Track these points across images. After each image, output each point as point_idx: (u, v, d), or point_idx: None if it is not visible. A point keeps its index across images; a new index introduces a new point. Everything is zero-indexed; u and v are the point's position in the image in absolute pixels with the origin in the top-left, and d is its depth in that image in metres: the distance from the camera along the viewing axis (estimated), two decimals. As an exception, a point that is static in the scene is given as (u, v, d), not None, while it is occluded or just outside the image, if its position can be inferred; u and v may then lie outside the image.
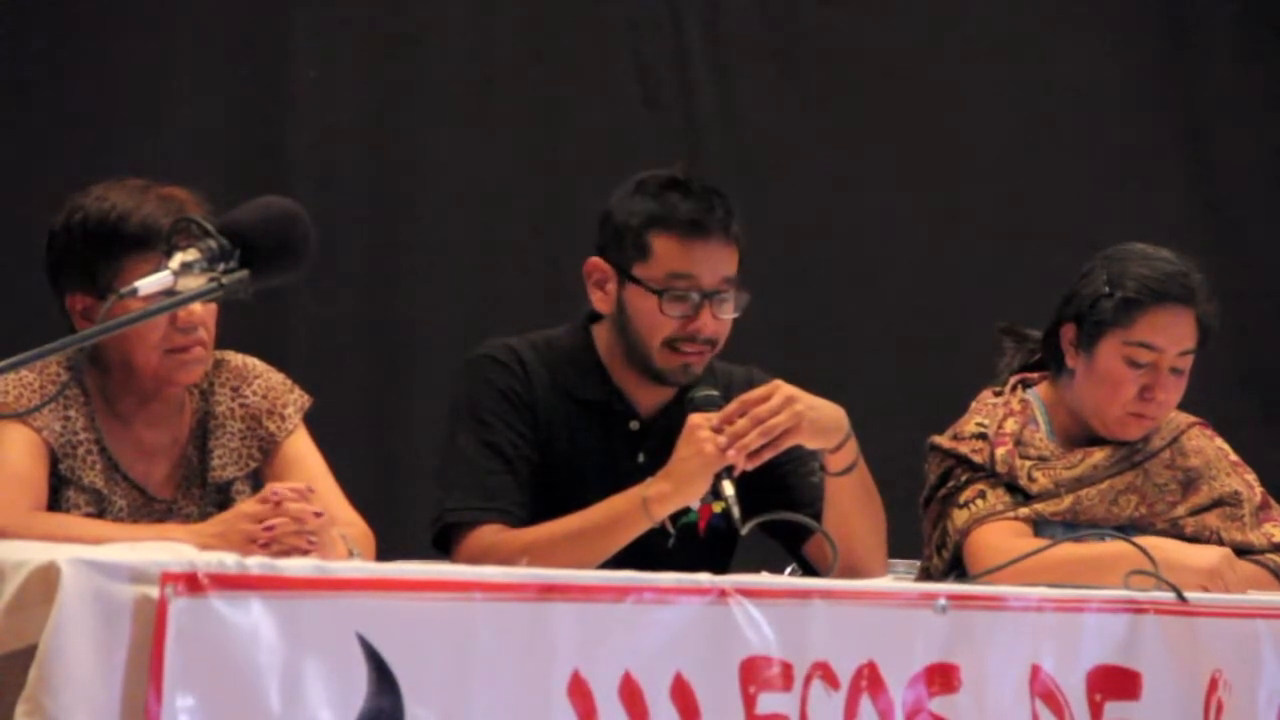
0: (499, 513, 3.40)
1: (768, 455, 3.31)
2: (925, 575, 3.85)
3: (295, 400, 3.40)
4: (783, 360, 3.89)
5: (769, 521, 3.37)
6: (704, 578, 2.55)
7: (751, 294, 3.48)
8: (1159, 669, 3.05)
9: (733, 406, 3.31)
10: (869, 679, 2.68)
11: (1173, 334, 3.74)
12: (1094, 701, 2.96)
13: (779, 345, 5.26)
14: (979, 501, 3.75)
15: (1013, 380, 3.93)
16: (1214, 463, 3.88)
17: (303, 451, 3.37)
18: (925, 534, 3.87)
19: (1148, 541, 3.43)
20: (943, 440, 3.86)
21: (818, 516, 3.44)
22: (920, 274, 5.92)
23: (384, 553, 3.19)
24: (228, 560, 2.12)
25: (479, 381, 3.50)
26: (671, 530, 3.51)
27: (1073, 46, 6.11)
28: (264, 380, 3.39)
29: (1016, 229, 5.97)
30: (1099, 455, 3.80)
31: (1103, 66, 6.12)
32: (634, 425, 3.54)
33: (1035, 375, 3.93)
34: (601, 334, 3.55)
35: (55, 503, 3.17)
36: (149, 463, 3.29)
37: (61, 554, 2.07)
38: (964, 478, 3.79)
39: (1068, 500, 3.75)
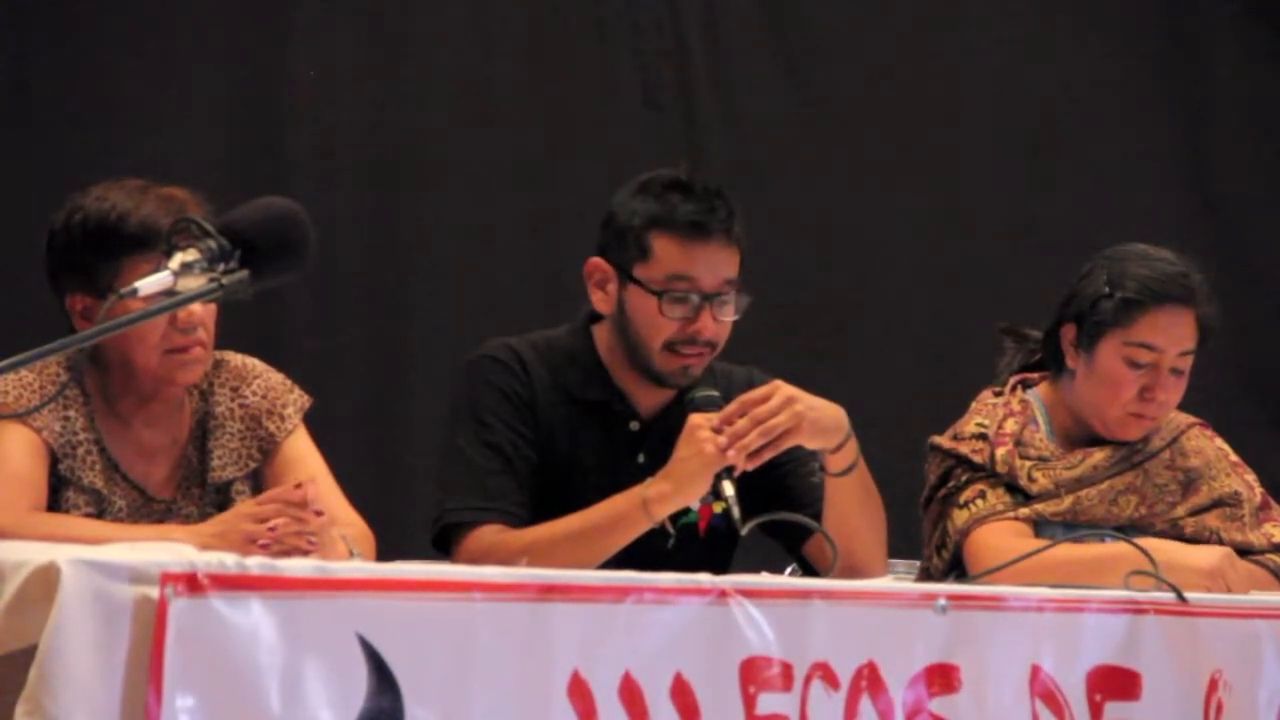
0: (499, 513, 3.40)
1: (768, 455, 3.31)
2: (925, 575, 3.85)
3: (295, 400, 3.40)
4: (783, 360, 3.89)
5: (769, 522, 3.37)
6: (704, 578, 2.54)
7: (752, 296, 3.47)
8: (1159, 669, 3.05)
9: (732, 407, 3.31)
10: (869, 679, 2.68)
11: (1173, 334, 3.74)
12: (1094, 702, 2.96)
13: (779, 345, 5.26)
14: (979, 502, 3.75)
15: (1013, 380, 3.93)
16: (1214, 463, 3.88)
17: (302, 452, 3.37)
18: (925, 534, 3.87)
19: (1148, 543, 3.43)
20: (943, 440, 3.86)
21: (818, 517, 3.44)
22: (920, 274, 5.92)
23: (384, 553, 3.19)
24: (228, 560, 2.11)
25: (479, 382, 3.50)
26: (671, 530, 3.51)
27: (1073, 47, 6.12)
28: (264, 380, 3.39)
29: (1016, 229, 5.98)
30: (1099, 456, 3.80)
31: (1103, 67, 6.12)
32: (634, 426, 3.54)
33: (1035, 375, 3.93)
34: (602, 334, 3.55)
35: (55, 503, 3.17)
36: (149, 463, 3.29)
37: (61, 554, 2.07)
38: (964, 478, 3.79)
39: (1068, 500, 3.75)
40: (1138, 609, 3.06)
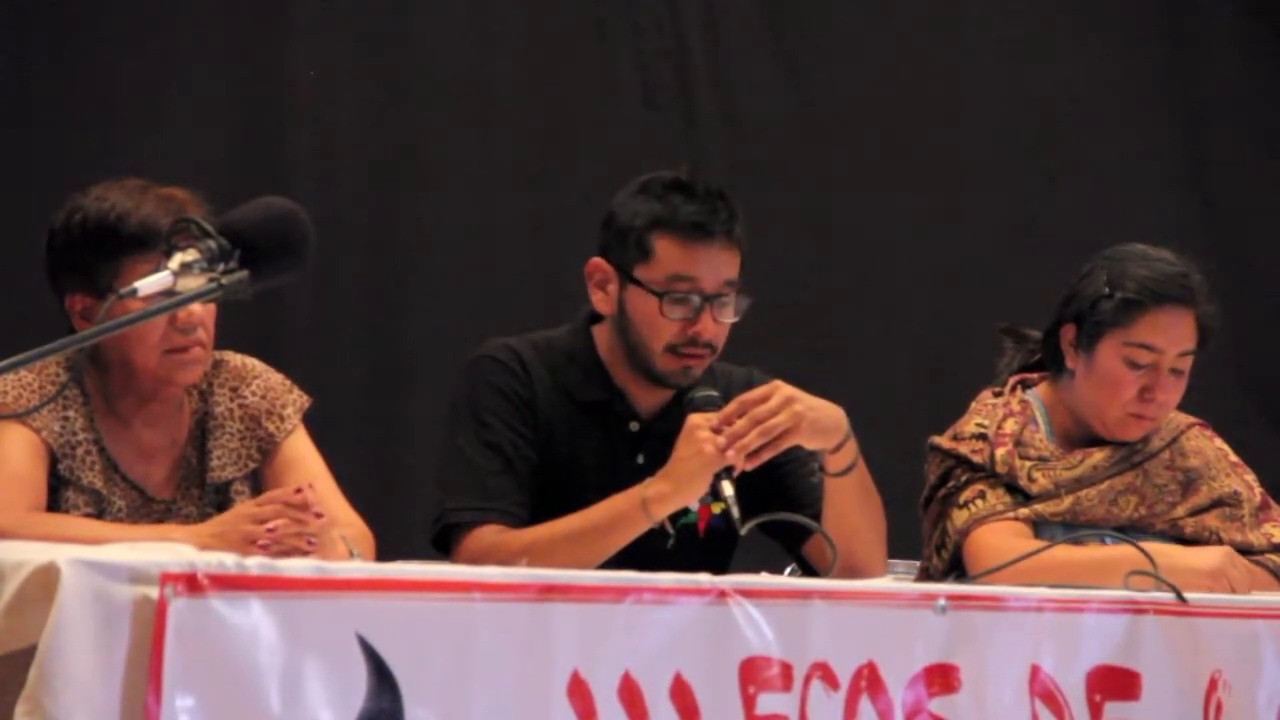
0: (499, 513, 3.40)
1: (767, 456, 3.31)
2: (925, 575, 3.85)
3: (294, 401, 3.39)
4: (783, 361, 3.89)
5: (769, 522, 3.37)
6: (704, 578, 2.54)
7: (752, 298, 3.47)
8: (1159, 669, 3.05)
9: (732, 407, 3.31)
10: (869, 679, 2.68)
11: (1172, 335, 3.74)
12: (1094, 702, 2.96)
13: (779, 346, 5.26)
14: (979, 502, 3.75)
15: (1012, 381, 3.92)
16: (1214, 463, 3.88)
17: (302, 452, 3.36)
18: (925, 534, 3.86)
19: (1150, 547, 3.43)
20: (943, 440, 3.86)
21: (817, 517, 3.44)
22: (920, 274, 5.92)
23: (384, 553, 3.19)
24: (227, 560, 2.12)
25: (479, 382, 3.50)
26: (671, 531, 3.51)
27: (1073, 46, 6.12)
28: (263, 381, 3.39)
29: (1016, 229, 5.98)
30: (1099, 456, 3.80)
31: (1103, 67, 6.12)
32: (634, 426, 3.53)
33: (1035, 376, 3.93)
34: (602, 335, 3.55)
35: (54, 503, 3.17)
36: (148, 463, 3.28)
37: (61, 554, 2.07)
38: (964, 478, 3.79)
39: (1067, 501, 3.75)
40: (1137, 609, 3.06)
